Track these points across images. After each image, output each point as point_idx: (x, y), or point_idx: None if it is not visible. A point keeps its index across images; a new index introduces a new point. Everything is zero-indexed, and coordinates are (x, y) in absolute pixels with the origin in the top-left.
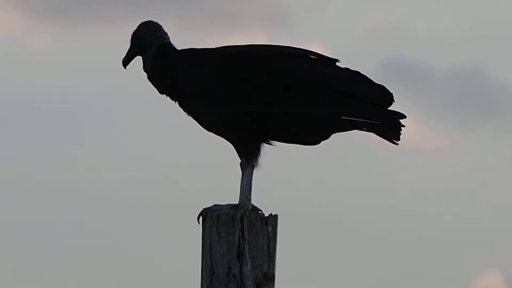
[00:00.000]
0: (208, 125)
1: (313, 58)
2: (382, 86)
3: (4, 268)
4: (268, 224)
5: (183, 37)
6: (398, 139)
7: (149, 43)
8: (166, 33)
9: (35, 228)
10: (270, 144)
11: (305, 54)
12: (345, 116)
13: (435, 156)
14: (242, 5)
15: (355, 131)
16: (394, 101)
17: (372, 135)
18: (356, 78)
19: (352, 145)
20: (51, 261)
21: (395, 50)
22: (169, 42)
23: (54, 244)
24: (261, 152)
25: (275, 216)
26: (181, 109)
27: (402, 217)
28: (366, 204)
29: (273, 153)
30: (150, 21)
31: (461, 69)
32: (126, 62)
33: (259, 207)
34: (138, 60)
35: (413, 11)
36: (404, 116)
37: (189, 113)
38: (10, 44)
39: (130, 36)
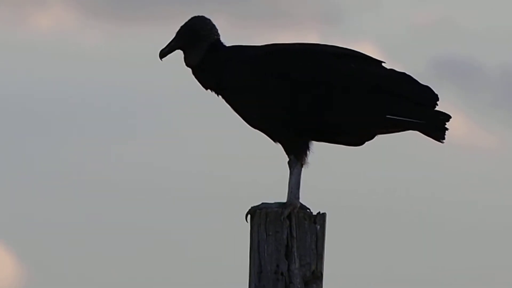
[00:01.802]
0: (253, 121)
1: (359, 57)
2: (427, 87)
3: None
4: (316, 223)
5: (235, 35)
6: (443, 138)
7: (204, 37)
8: (217, 30)
9: (83, 223)
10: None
11: (351, 53)
12: (390, 115)
13: (485, 154)
14: (294, 3)
15: (398, 133)
16: (438, 103)
17: (418, 133)
18: (402, 77)
19: (401, 142)
20: (96, 258)
21: (446, 47)
22: (220, 39)
23: (99, 239)
24: (310, 149)
25: (323, 215)
26: (227, 105)
27: (451, 215)
28: (415, 201)
29: (321, 150)
30: (204, 16)
31: None
32: (166, 53)
33: (307, 206)
34: (177, 56)
35: (464, 7)
36: (449, 117)
37: (234, 109)
38: (62, 41)
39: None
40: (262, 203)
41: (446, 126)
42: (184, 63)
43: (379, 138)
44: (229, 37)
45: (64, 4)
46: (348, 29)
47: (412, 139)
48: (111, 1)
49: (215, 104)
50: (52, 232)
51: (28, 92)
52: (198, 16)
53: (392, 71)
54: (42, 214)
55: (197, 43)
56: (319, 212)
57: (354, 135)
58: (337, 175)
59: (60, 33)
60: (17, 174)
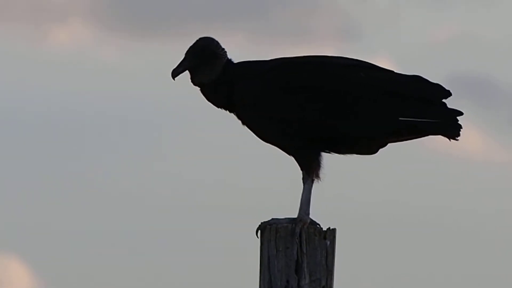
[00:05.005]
0: (266, 136)
1: (367, 67)
2: (438, 85)
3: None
4: (326, 238)
5: (252, 51)
6: (458, 135)
7: (220, 56)
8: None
9: (111, 234)
10: (328, 152)
11: (359, 63)
12: (403, 117)
13: (502, 170)
14: (312, 20)
15: (410, 141)
16: (451, 95)
17: (433, 142)
18: (411, 79)
19: (413, 157)
20: (117, 264)
21: (464, 63)
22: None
23: (120, 248)
24: (322, 165)
25: (333, 230)
26: (239, 122)
27: (465, 232)
28: (427, 216)
29: (332, 165)
30: (212, 37)
31: None
32: (180, 72)
33: (317, 221)
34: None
35: (482, 23)
36: (461, 113)
37: (247, 125)
38: (80, 56)
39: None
40: (272, 219)
41: (459, 124)
42: (191, 83)
43: (393, 152)
44: (247, 53)
45: (82, 20)
46: (366, 46)
47: (426, 155)
48: (128, 18)
49: (228, 118)
50: (72, 244)
51: (48, 106)
52: (207, 37)
53: (401, 75)
54: (65, 225)
55: (212, 62)
56: (329, 228)
57: (368, 143)
58: (347, 190)
59: (78, 48)
60: (36, 187)
